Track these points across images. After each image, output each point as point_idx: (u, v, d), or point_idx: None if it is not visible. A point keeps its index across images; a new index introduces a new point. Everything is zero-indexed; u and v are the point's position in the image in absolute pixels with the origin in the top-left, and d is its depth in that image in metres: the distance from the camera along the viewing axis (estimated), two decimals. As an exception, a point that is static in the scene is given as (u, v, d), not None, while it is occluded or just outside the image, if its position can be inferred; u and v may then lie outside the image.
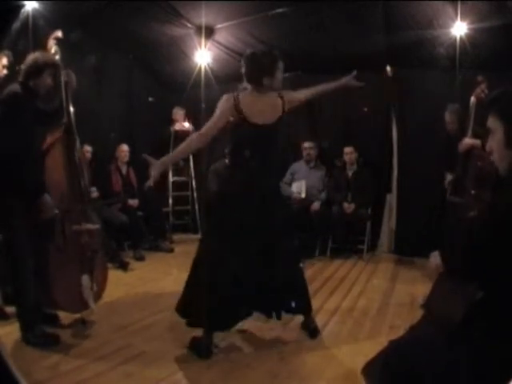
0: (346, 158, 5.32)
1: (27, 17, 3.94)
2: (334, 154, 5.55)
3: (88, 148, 4.83)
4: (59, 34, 2.89)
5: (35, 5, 4.05)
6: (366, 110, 5.44)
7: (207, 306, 2.53)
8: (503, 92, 1.40)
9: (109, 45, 5.48)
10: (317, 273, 4.44)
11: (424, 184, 4.75)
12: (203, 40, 5.31)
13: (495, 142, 1.37)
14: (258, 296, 2.61)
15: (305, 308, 2.83)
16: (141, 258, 4.95)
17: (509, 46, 3.90)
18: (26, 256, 2.58)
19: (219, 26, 5.15)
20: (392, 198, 5.42)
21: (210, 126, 2.59)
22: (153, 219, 5.45)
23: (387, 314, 3.30)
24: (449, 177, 3.91)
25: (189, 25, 5.15)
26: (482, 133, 3.09)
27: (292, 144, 5.59)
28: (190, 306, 2.64)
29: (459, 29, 4.31)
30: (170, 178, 6.13)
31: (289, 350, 2.65)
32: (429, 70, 4.79)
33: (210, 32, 5.25)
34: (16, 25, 3.11)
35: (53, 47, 2.87)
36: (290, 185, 5.41)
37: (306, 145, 5.48)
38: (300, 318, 2.90)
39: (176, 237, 6.02)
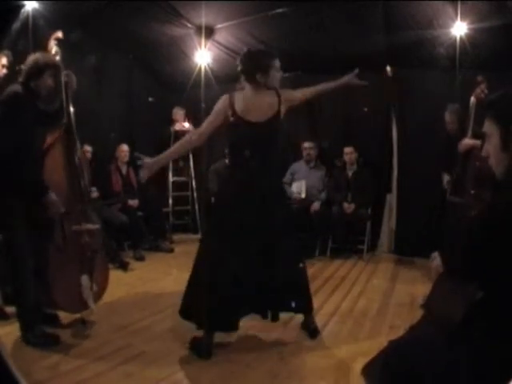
0: (346, 158, 5.32)
1: (27, 17, 3.94)
2: (334, 154, 5.55)
3: (88, 148, 4.83)
4: (60, 34, 2.89)
5: (35, 5, 4.05)
6: (366, 110, 5.44)
7: (207, 306, 2.53)
8: (499, 96, 1.40)
9: (109, 45, 5.48)
10: (317, 273, 4.44)
11: (424, 184, 4.75)
12: (203, 40, 5.30)
13: (492, 146, 1.38)
14: (259, 296, 2.61)
15: (305, 308, 2.83)
16: (141, 258, 4.95)
17: (509, 45, 3.90)
18: (25, 256, 2.59)
19: (219, 25, 5.15)
20: (392, 198, 5.42)
21: (206, 124, 2.66)
22: (153, 219, 5.45)
23: (387, 314, 3.30)
24: (446, 178, 3.92)
25: (189, 25, 5.15)
26: (482, 133, 3.09)
27: (292, 144, 5.59)
28: (191, 307, 2.64)
29: (459, 29, 4.30)
30: (170, 178, 6.13)
31: (289, 350, 2.65)
32: (429, 70, 4.79)
33: (210, 32, 5.25)
34: (16, 25, 3.10)
35: (53, 48, 2.87)
36: (290, 185, 5.41)
37: (306, 145, 5.48)
38: (300, 318, 2.90)
39: (176, 237, 6.02)
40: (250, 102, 2.62)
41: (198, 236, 6.06)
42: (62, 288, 2.75)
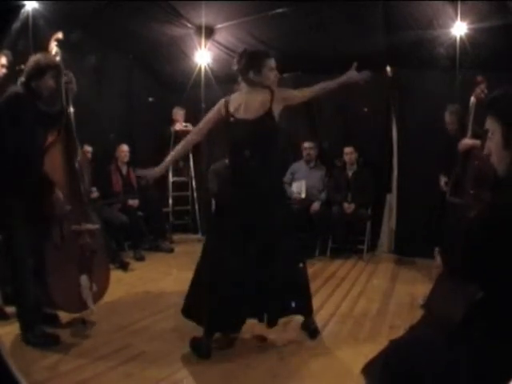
0: (346, 158, 5.32)
1: (27, 17, 3.94)
2: (334, 154, 5.55)
3: (88, 148, 4.83)
4: (60, 35, 2.90)
5: (35, 5, 4.05)
6: (366, 110, 5.44)
7: (207, 307, 2.54)
8: (501, 93, 1.40)
9: (109, 45, 5.48)
10: (317, 273, 4.44)
11: (424, 184, 4.75)
12: (203, 40, 5.31)
13: (493, 144, 1.37)
14: (259, 296, 2.61)
15: (305, 308, 2.82)
16: (141, 258, 4.95)
17: (509, 45, 3.90)
18: (25, 256, 2.59)
19: (219, 25, 5.15)
20: (392, 198, 5.42)
21: (203, 123, 2.80)
22: (153, 219, 5.45)
23: (387, 314, 3.30)
24: (443, 179, 3.93)
25: (189, 25, 5.15)
26: (482, 133, 3.09)
27: (292, 144, 5.59)
28: (193, 306, 2.64)
29: (459, 29, 4.30)
30: (170, 178, 6.13)
31: (289, 350, 2.65)
32: (429, 70, 4.79)
33: (209, 32, 5.25)
34: (16, 25, 3.11)
35: (54, 49, 2.88)
36: (290, 185, 5.41)
37: (306, 145, 5.48)
38: (300, 319, 2.90)
39: (176, 237, 6.02)
40: (242, 100, 2.68)
41: (198, 236, 6.07)
42: (61, 288, 2.75)
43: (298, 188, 5.33)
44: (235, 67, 2.71)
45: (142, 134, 6.17)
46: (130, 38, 5.37)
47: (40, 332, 2.62)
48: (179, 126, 6.10)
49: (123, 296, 3.67)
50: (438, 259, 1.53)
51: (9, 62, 2.80)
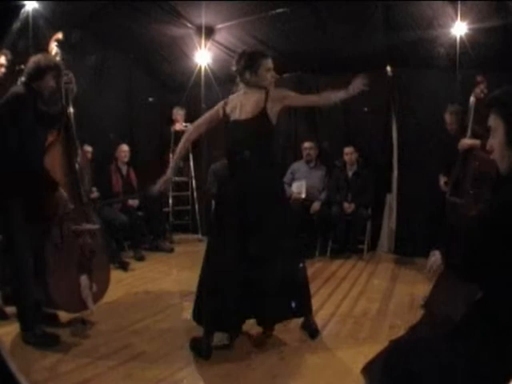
0: (346, 158, 5.31)
1: (27, 17, 3.94)
2: (334, 154, 5.55)
3: (88, 148, 4.82)
4: (60, 35, 2.91)
5: (35, 5, 4.05)
6: (366, 110, 5.44)
7: (206, 306, 2.54)
8: (505, 90, 1.39)
9: (109, 45, 5.48)
10: (317, 273, 4.44)
11: (424, 184, 4.75)
12: (203, 40, 5.31)
13: (496, 141, 1.37)
14: (257, 296, 2.60)
15: (305, 309, 2.82)
16: (141, 258, 4.95)
17: (509, 45, 3.90)
18: (25, 256, 2.59)
19: (219, 25, 5.15)
20: (392, 198, 5.42)
21: (201, 119, 2.86)
22: (153, 219, 5.45)
23: (387, 314, 3.30)
24: (442, 179, 3.93)
25: (189, 25, 5.15)
26: (482, 133, 3.10)
27: (293, 144, 5.60)
28: (199, 310, 2.66)
29: (459, 29, 4.31)
30: (170, 178, 6.12)
31: (289, 349, 2.65)
32: (429, 70, 4.79)
33: (209, 32, 5.25)
34: (16, 25, 3.11)
35: (54, 49, 2.88)
36: (290, 185, 5.41)
37: (306, 145, 5.48)
38: (300, 318, 2.90)
39: (176, 237, 6.02)
40: (238, 101, 2.70)
41: (198, 236, 6.07)
42: (61, 288, 2.75)
43: (298, 188, 5.33)
44: (234, 68, 2.73)
45: (142, 134, 6.17)
46: (129, 38, 5.37)
47: (40, 332, 2.62)
48: (179, 125, 6.10)
49: (123, 296, 3.67)
50: (433, 258, 1.53)
51: (8, 61, 2.80)
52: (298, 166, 5.54)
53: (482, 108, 3.22)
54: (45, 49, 2.89)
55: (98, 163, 4.99)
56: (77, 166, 2.92)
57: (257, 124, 2.61)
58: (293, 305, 2.72)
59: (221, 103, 2.76)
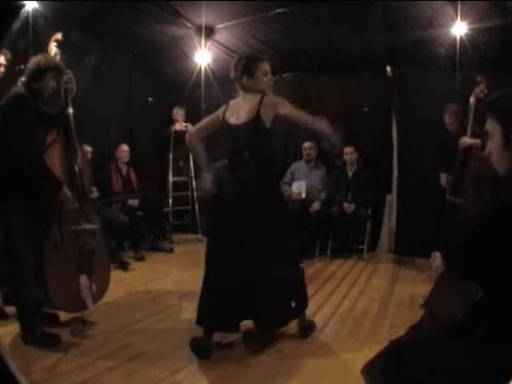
0: (346, 158, 5.32)
1: (27, 17, 3.94)
2: (334, 154, 5.54)
3: (88, 148, 4.83)
4: (59, 36, 2.91)
5: (35, 5, 4.05)
6: (366, 110, 5.44)
7: (206, 306, 2.54)
8: (501, 94, 1.40)
9: (109, 45, 5.48)
10: (317, 273, 4.44)
11: (424, 184, 4.75)
12: (203, 40, 5.31)
13: (493, 144, 1.38)
14: (257, 297, 2.60)
15: (301, 309, 2.82)
16: (141, 258, 4.95)
17: (509, 45, 3.90)
18: (25, 256, 2.59)
19: (219, 25, 5.15)
20: (392, 198, 5.42)
21: (203, 121, 2.92)
22: (153, 219, 5.45)
23: (387, 314, 3.30)
24: (443, 176, 3.93)
25: (189, 25, 5.15)
26: (482, 133, 3.10)
27: (293, 144, 5.60)
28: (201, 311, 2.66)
29: (459, 29, 4.31)
30: (170, 178, 6.13)
31: (289, 349, 2.64)
32: (429, 70, 4.79)
33: (209, 32, 5.25)
34: (16, 25, 3.11)
35: (53, 49, 2.88)
36: (289, 185, 5.41)
37: (306, 145, 5.48)
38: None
39: (176, 237, 6.02)
40: (235, 105, 2.72)
41: (198, 236, 6.07)
42: (61, 288, 2.75)
43: (298, 188, 5.33)
44: (232, 75, 2.73)
45: (142, 134, 6.17)
46: (129, 38, 5.37)
47: (40, 332, 2.62)
48: (179, 125, 6.10)
49: (123, 296, 3.67)
50: (436, 260, 1.53)
51: (7, 61, 2.80)
52: (298, 166, 5.54)
53: (481, 108, 3.22)
54: (44, 49, 2.89)
55: (98, 163, 4.99)
56: (76, 166, 2.92)
57: (250, 128, 2.61)
58: (291, 307, 2.72)
59: (221, 108, 2.77)
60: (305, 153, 5.50)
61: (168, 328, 2.97)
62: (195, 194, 6.26)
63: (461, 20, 4.21)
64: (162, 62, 6.01)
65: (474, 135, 3.42)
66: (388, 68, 5.20)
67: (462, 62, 4.38)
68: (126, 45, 5.62)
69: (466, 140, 3.45)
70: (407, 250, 5.07)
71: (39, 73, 2.65)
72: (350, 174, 5.33)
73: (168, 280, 4.29)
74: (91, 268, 2.89)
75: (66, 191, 2.72)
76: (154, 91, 6.39)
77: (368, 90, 5.34)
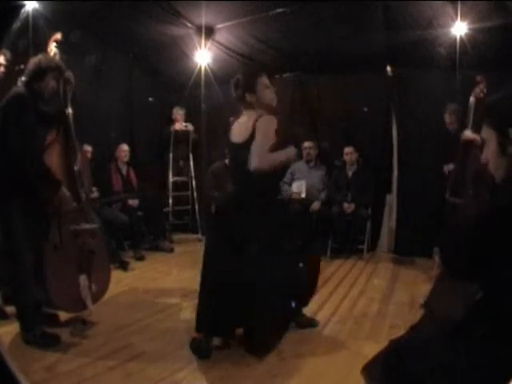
0: (346, 158, 5.32)
1: (27, 17, 3.94)
2: (334, 154, 5.55)
3: (88, 148, 4.83)
4: (59, 36, 2.91)
5: (35, 5, 4.05)
6: (365, 110, 5.44)
7: (206, 308, 2.54)
8: (494, 100, 1.41)
9: (109, 45, 5.48)
10: (317, 273, 4.43)
11: (424, 184, 4.75)
12: (203, 40, 5.31)
13: (490, 152, 1.38)
14: (257, 297, 2.59)
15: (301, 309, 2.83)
16: (141, 258, 4.95)
17: (509, 45, 3.90)
18: (25, 256, 2.59)
19: (219, 25, 5.15)
20: (392, 198, 5.43)
21: None
22: (153, 219, 5.45)
23: (387, 313, 3.30)
24: (446, 167, 3.94)
25: (189, 25, 5.15)
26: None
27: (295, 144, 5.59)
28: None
29: (459, 29, 4.31)
30: (170, 178, 6.13)
31: (289, 349, 2.64)
32: (429, 70, 4.79)
33: (209, 32, 5.25)
34: (16, 25, 3.11)
35: (53, 50, 2.88)
36: (289, 185, 5.41)
37: (306, 145, 5.48)
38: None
39: (176, 237, 6.02)
40: (236, 123, 2.73)
41: (198, 236, 6.08)
42: (60, 288, 2.75)
43: (298, 188, 5.33)
44: (234, 95, 2.72)
45: (142, 134, 6.17)
46: (129, 38, 5.37)
47: (40, 332, 2.62)
48: (179, 125, 6.11)
49: (123, 296, 3.66)
50: (437, 259, 1.54)
51: (7, 61, 2.80)
52: (298, 166, 5.53)
53: (481, 108, 3.23)
54: (44, 49, 2.90)
55: (98, 163, 4.99)
56: (76, 165, 2.92)
57: (245, 148, 2.58)
58: (292, 305, 2.72)
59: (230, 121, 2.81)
60: (305, 153, 5.50)
61: (168, 328, 2.97)
62: (195, 194, 6.26)
63: (461, 20, 4.21)
64: (162, 62, 6.01)
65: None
66: (388, 68, 5.20)
67: (462, 62, 4.38)
68: (125, 45, 5.62)
69: (468, 134, 3.44)
70: (407, 250, 5.07)
71: (39, 73, 2.65)
72: (350, 173, 5.34)
73: (168, 280, 4.29)
74: (91, 268, 2.89)
75: (65, 191, 2.72)
76: (154, 91, 6.39)
77: (368, 90, 5.34)
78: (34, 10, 4.04)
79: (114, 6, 4.53)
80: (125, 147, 5.35)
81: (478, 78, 3.44)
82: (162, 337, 2.83)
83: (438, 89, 4.77)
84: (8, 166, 2.53)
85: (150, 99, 6.32)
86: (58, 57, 2.87)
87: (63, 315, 2.97)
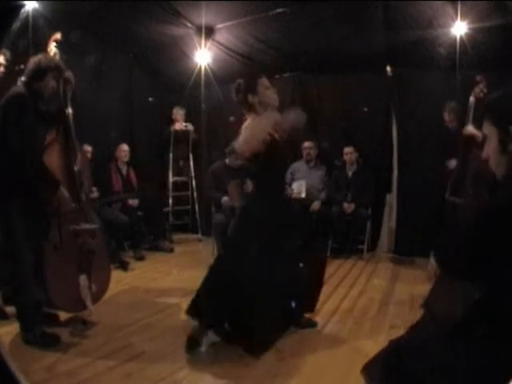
0: (346, 158, 5.32)
1: (27, 17, 3.94)
2: (334, 154, 5.55)
3: (88, 148, 4.83)
4: (58, 36, 2.91)
5: (35, 5, 4.05)
6: (365, 110, 5.44)
7: (206, 306, 2.55)
8: (496, 98, 1.41)
9: (109, 45, 5.48)
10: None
11: (424, 184, 4.75)
12: (203, 40, 5.31)
13: (491, 149, 1.38)
14: (256, 297, 2.60)
15: (304, 309, 2.82)
16: (141, 258, 4.95)
17: (509, 45, 3.90)
18: (25, 256, 2.59)
19: (219, 25, 5.15)
20: (392, 198, 5.42)
21: None
22: (153, 219, 5.45)
23: (387, 313, 3.30)
24: (449, 163, 3.94)
25: (189, 25, 5.15)
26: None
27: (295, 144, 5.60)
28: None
29: (459, 29, 4.31)
30: (170, 178, 6.13)
31: (289, 349, 2.64)
32: (429, 70, 4.79)
33: (209, 32, 5.25)
34: (16, 25, 3.11)
35: (52, 49, 2.88)
36: (289, 185, 5.41)
37: (306, 145, 5.48)
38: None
39: (176, 237, 6.02)
40: (242, 128, 2.72)
41: (198, 236, 6.08)
42: (60, 288, 2.75)
43: (298, 188, 5.33)
44: (236, 99, 2.73)
45: (142, 134, 6.17)
46: (129, 38, 5.37)
47: (40, 332, 2.62)
48: (179, 125, 6.11)
49: (123, 296, 3.67)
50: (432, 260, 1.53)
51: (7, 60, 2.80)
52: (298, 166, 5.54)
53: (481, 107, 3.22)
54: (44, 49, 2.90)
55: (98, 163, 4.99)
56: (76, 165, 2.92)
57: None
58: (292, 305, 2.72)
59: None
60: (305, 152, 5.50)
61: (168, 328, 2.97)
62: (195, 194, 6.26)
63: (461, 20, 4.22)
64: (162, 62, 6.01)
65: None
66: (388, 68, 5.20)
67: (462, 62, 4.38)
68: (125, 45, 5.61)
69: (470, 129, 3.43)
70: (407, 249, 5.07)
71: (39, 73, 2.65)
72: (350, 173, 5.34)
73: (168, 280, 4.29)
74: (91, 268, 2.89)
75: (64, 191, 2.71)
76: (154, 91, 6.39)
77: (368, 90, 5.34)
78: (34, 10, 4.04)
79: (113, 6, 4.53)
80: (125, 147, 5.35)
81: (478, 78, 3.44)
82: (162, 337, 2.83)
83: (437, 89, 4.77)
84: (8, 166, 2.53)
85: (150, 99, 6.32)
86: (57, 57, 2.87)
87: (63, 315, 2.97)
